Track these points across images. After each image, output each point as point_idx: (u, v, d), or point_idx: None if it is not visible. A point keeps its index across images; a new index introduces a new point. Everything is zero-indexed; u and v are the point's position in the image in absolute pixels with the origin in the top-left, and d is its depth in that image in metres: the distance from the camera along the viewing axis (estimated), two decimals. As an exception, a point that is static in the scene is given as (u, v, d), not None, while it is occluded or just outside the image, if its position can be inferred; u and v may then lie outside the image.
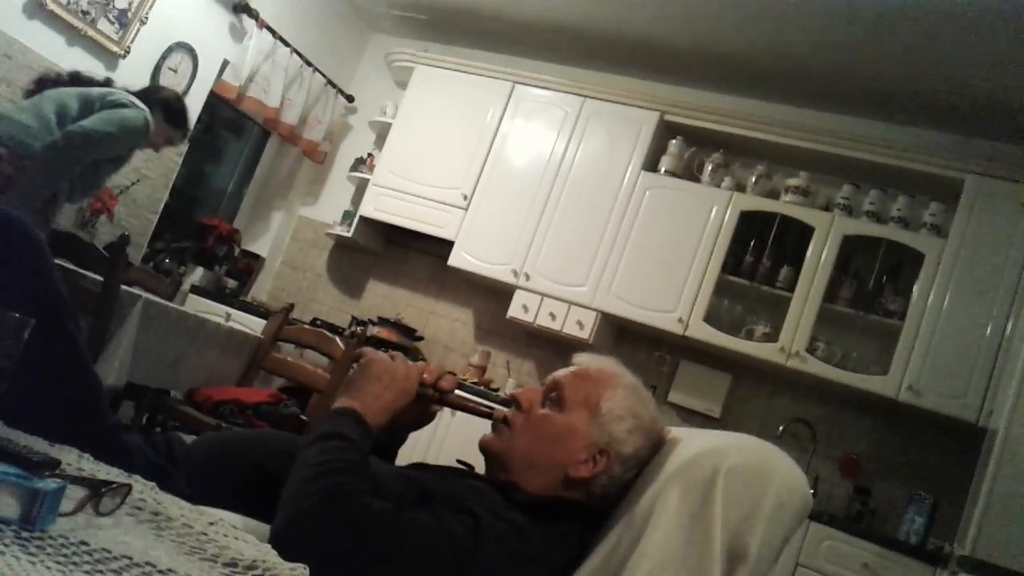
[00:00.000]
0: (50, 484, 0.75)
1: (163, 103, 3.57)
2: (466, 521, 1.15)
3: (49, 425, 1.06)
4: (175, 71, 4.61)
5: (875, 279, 4.27)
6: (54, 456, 0.96)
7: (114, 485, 0.86)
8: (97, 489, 0.84)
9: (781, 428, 4.23)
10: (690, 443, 1.36)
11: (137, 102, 3.41)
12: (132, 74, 4.35)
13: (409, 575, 1.09)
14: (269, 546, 0.88)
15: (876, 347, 4.21)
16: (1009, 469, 3.03)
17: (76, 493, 0.82)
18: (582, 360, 1.49)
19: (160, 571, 0.71)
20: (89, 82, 3.48)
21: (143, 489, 0.95)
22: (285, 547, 0.91)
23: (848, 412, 4.38)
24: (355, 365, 1.39)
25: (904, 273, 4.21)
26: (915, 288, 4.07)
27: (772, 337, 4.26)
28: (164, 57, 4.52)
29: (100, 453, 1.05)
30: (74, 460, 1.00)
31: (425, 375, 1.44)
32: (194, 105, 4.81)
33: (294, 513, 1.09)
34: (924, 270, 4.05)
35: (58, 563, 0.66)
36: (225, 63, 4.91)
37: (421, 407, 1.48)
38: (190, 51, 4.67)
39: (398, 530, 1.09)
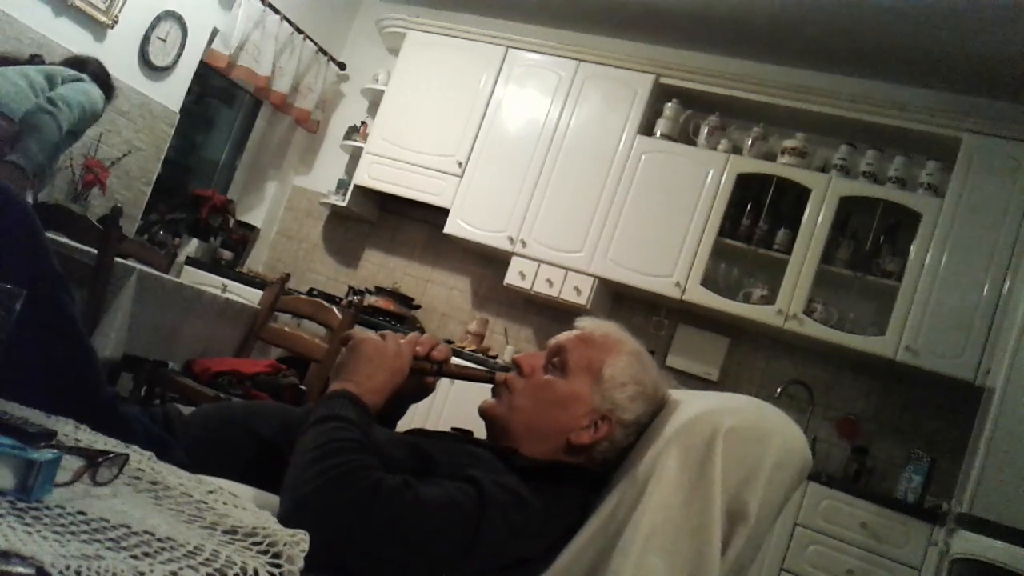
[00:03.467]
0: (46, 454, 0.74)
1: (101, 80, 3.54)
2: (469, 492, 1.15)
3: (45, 397, 1.06)
4: (164, 40, 4.55)
5: (872, 240, 4.26)
6: (50, 427, 0.96)
7: (111, 455, 0.85)
8: (94, 459, 0.83)
9: (779, 390, 4.25)
10: (689, 405, 1.36)
11: (88, 78, 3.42)
12: (120, 44, 4.31)
13: (416, 551, 1.09)
14: (268, 513, 0.88)
15: (873, 308, 4.22)
16: (1006, 427, 3.05)
17: (73, 463, 0.81)
18: (585, 324, 1.48)
19: (159, 539, 0.71)
20: (15, 60, 3.45)
21: (141, 459, 0.95)
22: None
23: (846, 373, 4.39)
24: (344, 349, 1.35)
25: (901, 233, 4.20)
26: (912, 248, 4.06)
27: (769, 299, 4.26)
28: (152, 26, 4.46)
29: (97, 424, 1.04)
30: (71, 431, 0.99)
31: (417, 348, 1.41)
32: (184, 75, 4.77)
33: (298, 498, 1.06)
34: (921, 230, 4.04)
35: (55, 533, 0.66)
36: (215, 31, 4.85)
37: (419, 380, 1.46)
38: (179, 20, 4.60)
39: (406, 507, 1.08)
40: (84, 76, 3.40)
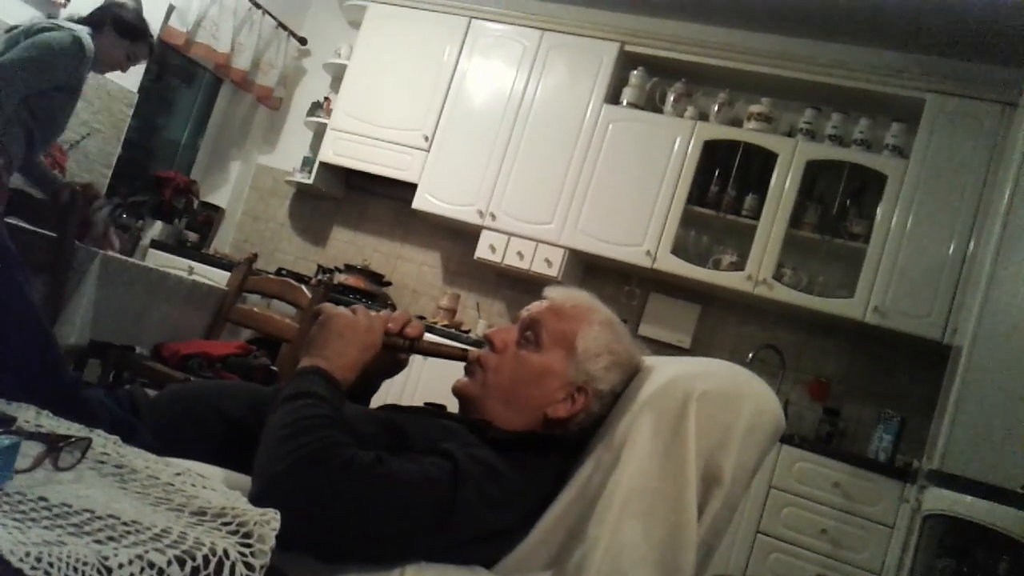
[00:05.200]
0: (3, 440, 0.72)
1: (112, 18, 3.24)
2: (444, 466, 1.13)
3: (4, 383, 1.03)
4: (119, 19, 4.43)
5: (839, 203, 4.28)
6: (10, 414, 0.93)
7: (73, 439, 0.83)
8: (55, 444, 0.81)
9: (750, 355, 4.27)
10: (662, 370, 1.36)
11: (66, 24, 3.10)
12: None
13: (390, 527, 1.07)
14: (238, 493, 0.86)
15: (842, 270, 4.25)
16: (973, 384, 3.09)
17: (33, 449, 0.79)
18: (555, 294, 1.47)
19: (124, 523, 0.69)
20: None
21: (105, 443, 0.93)
22: None
23: (816, 336, 4.43)
24: (315, 325, 1.32)
25: (867, 195, 4.23)
26: (878, 210, 4.09)
27: (739, 266, 4.28)
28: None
29: (60, 409, 1.01)
30: (32, 417, 0.97)
31: (389, 324, 1.39)
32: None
33: (269, 477, 1.04)
34: (887, 191, 4.07)
35: (15, 520, 0.64)
36: (171, 8, 4.74)
37: (391, 356, 1.44)
38: (133, -3, 4.49)
39: (379, 483, 1.06)
40: (50, 24, 3.05)
